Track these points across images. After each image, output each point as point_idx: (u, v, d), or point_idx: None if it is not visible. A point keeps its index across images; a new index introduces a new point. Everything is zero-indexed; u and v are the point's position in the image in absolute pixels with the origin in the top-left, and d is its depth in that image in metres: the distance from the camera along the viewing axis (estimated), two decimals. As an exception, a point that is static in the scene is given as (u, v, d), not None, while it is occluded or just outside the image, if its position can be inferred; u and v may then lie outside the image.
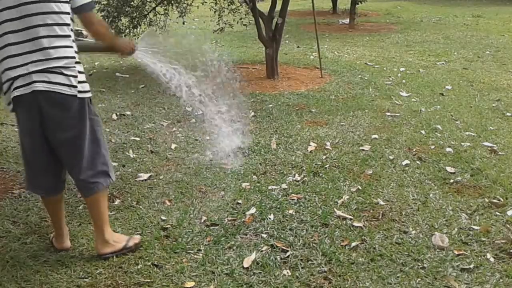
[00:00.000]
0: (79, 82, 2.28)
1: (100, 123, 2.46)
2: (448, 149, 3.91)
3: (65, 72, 2.22)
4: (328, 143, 4.06)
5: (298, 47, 8.85)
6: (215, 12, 7.01)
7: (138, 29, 6.83)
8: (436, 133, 4.31)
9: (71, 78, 2.24)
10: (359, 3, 11.62)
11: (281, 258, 2.51)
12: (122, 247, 2.51)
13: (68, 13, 2.26)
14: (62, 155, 2.37)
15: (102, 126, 2.51)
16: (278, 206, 3.02)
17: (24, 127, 2.32)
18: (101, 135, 2.43)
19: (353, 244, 2.62)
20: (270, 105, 5.16)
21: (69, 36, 2.27)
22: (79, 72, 2.29)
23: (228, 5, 6.97)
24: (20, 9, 2.15)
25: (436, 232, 2.71)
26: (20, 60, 2.17)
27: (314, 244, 2.62)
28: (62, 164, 2.42)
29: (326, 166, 3.62)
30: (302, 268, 2.43)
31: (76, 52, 2.31)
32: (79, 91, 2.27)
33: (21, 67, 2.17)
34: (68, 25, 2.27)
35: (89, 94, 2.35)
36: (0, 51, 2.19)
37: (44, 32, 2.18)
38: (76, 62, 2.29)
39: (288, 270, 2.41)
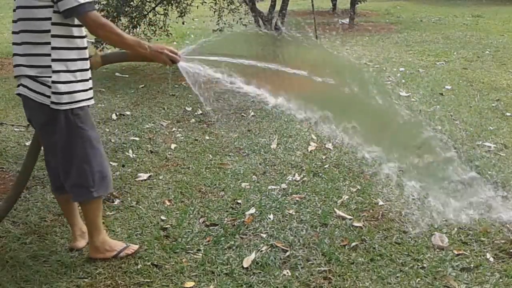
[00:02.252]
0: (54, 93, 2.17)
1: (87, 137, 2.31)
2: (448, 149, 3.91)
3: (39, 80, 2.17)
4: (328, 143, 4.05)
5: (297, 47, 8.85)
6: (214, 12, 7.01)
7: (138, 29, 6.83)
8: (435, 133, 4.30)
9: (43, 87, 2.17)
10: (359, 3, 11.62)
11: (280, 258, 2.50)
12: (112, 256, 2.49)
13: (48, 19, 2.14)
14: None
15: (91, 140, 2.33)
16: (278, 206, 3.02)
17: None
18: (81, 149, 2.30)
19: (353, 244, 2.62)
20: (270, 105, 5.15)
21: (48, 43, 2.15)
22: (56, 82, 2.17)
23: (228, 5, 6.97)
24: (15, 13, 2.22)
25: (436, 232, 2.71)
26: (17, 61, 2.24)
27: (313, 244, 2.62)
28: None
29: (326, 166, 3.62)
30: (301, 268, 2.43)
31: (57, 60, 2.17)
32: (53, 102, 2.18)
33: (16, 67, 2.24)
34: (47, 31, 2.14)
35: (68, 106, 2.22)
36: None
37: (26, 38, 2.18)
38: (56, 71, 2.17)
39: (287, 270, 2.41)
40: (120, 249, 2.51)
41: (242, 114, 4.88)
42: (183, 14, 7.07)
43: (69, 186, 2.38)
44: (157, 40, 7.27)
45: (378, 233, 2.73)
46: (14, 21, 2.24)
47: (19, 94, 2.27)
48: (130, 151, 3.95)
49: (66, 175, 2.36)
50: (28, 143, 4.09)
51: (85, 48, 2.29)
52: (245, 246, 2.61)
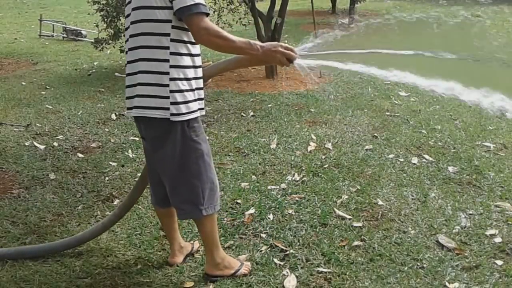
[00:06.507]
0: (173, 103, 2.04)
1: (200, 151, 2.17)
2: (447, 149, 3.92)
3: (156, 90, 2.06)
4: (327, 143, 4.06)
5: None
6: (214, 12, 7.01)
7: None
8: (435, 133, 4.31)
9: (161, 100, 2.05)
10: (358, 3, 11.63)
11: (280, 258, 2.51)
12: (231, 273, 2.34)
13: (168, 21, 2.00)
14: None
15: (204, 155, 2.19)
16: (277, 206, 3.02)
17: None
18: (194, 164, 2.15)
19: (352, 244, 2.62)
20: (270, 105, 5.17)
21: (167, 47, 2.03)
22: (174, 91, 2.04)
23: (227, 5, 6.97)
24: (129, 17, 2.11)
25: (441, 235, 2.69)
26: (130, 69, 2.14)
27: (313, 244, 2.62)
28: None
29: (325, 166, 3.62)
30: (301, 268, 2.43)
31: (174, 66, 2.03)
32: (173, 114, 2.04)
33: (130, 76, 2.14)
34: (166, 34, 2.02)
35: (186, 117, 2.07)
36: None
37: (144, 42, 2.05)
38: (173, 79, 2.04)
39: (287, 270, 2.41)
40: (238, 268, 2.36)
41: (242, 114, 4.89)
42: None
43: (177, 202, 2.23)
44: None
45: (378, 233, 2.73)
46: (126, 28, 2.12)
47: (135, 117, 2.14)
48: (130, 151, 3.95)
49: (175, 190, 2.21)
50: (27, 143, 4.09)
51: (198, 54, 2.13)
52: (245, 246, 2.61)
